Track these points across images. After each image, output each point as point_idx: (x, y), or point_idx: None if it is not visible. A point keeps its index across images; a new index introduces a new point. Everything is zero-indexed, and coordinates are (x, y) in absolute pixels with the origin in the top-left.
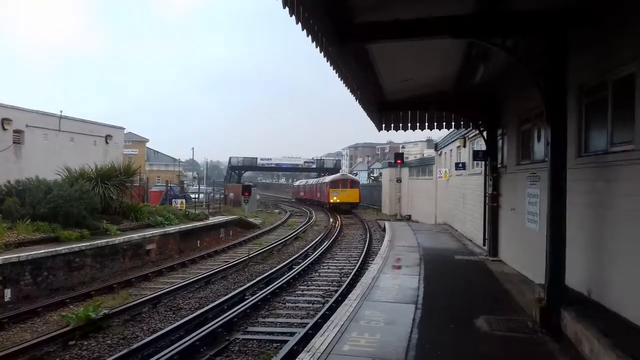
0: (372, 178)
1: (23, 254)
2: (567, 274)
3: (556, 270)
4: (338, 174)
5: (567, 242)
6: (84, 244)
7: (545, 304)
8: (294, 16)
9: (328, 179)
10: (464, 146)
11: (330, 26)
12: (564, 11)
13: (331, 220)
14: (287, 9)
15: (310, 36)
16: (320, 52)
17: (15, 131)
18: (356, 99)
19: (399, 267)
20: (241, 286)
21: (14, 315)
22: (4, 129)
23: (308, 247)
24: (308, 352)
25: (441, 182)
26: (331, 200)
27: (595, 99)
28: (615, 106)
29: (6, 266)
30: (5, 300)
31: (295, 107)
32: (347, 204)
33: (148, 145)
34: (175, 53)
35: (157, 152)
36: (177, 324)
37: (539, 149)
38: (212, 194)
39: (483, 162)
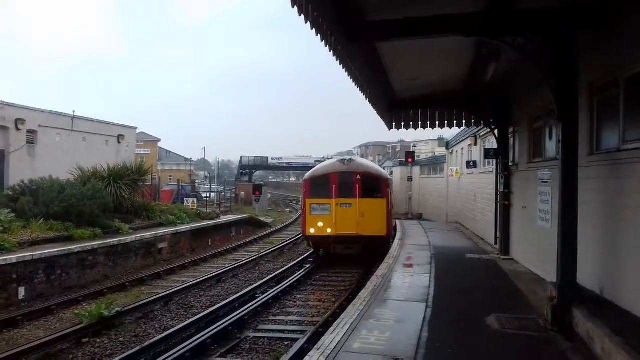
0: None
1: (37, 253)
2: (579, 272)
3: (568, 268)
4: (331, 161)
5: (579, 240)
6: (96, 243)
7: (557, 302)
8: (302, 15)
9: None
10: (475, 144)
11: (340, 25)
12: (574, 9)
13: None
14: (295, 8)
15: (319, 35)
16: (330, 51)
17: (28, 131)
18: (366, 97)
19: (409, 266)
20: (252, 284)
21: (28, 313)
22: (17, 129)
23: None
24: (318, 349)
25: (452, 180)
26: (311, 231)
27: (607, 97)
28: (627, 104)
29: (20, 264)
30: (20, 298)
31: (307, 106)
32: (357, 241)
33: (160, 145)
34: (192, 55)
35: (169, 151)
36: (189, 321)
37: (551, 147)
38: (223, 193)
39: (494, 161)
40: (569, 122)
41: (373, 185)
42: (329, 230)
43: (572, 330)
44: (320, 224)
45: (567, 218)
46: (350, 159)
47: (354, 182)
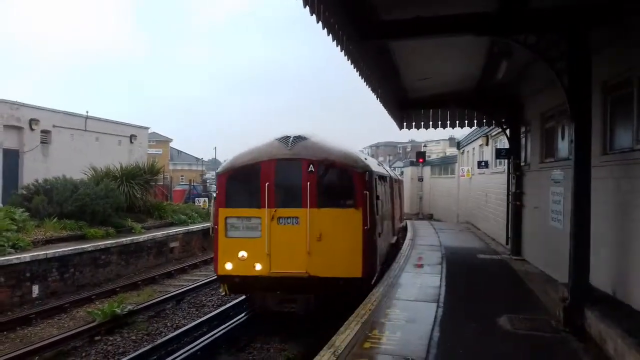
0: None
1: (50, 251)
2: (591, 273)
3: (580, 269)
4: (267, 141)
5: (592, 241)
6: (109, 242)
7: (569, 303)
8: (314, 15)
9: (227, 163)
10: (487, 144)
11: (351, 25)
12: (587, 7)
13: None
14: (307, 8)
15: (330, 35)
16: (341, 51)
17: (42, 131)
18: (377, 97)
19: (420, 266)
20: None
21: (41, 311)
22: (31, 129)
23: None
24: (329, 349)
25: (463, 180)
26: (227, 267)
27: (620, 96)
28: None
29: (34, 263)
30: (33, 296)
31: (318, 106)
32: (306, 287)
33: (172, 144)
34: (206, 56)
35: (181, 151)
36: (200, 320)
37: (563, 146)
38: None
39: (506, 161)
40: (582, 122)
41: (338, 184)
42: (257, 267)
43: (584, 331)
44: (242, 255)
45: (580, 218)
46: (298, 137)
47: (303, 178)
